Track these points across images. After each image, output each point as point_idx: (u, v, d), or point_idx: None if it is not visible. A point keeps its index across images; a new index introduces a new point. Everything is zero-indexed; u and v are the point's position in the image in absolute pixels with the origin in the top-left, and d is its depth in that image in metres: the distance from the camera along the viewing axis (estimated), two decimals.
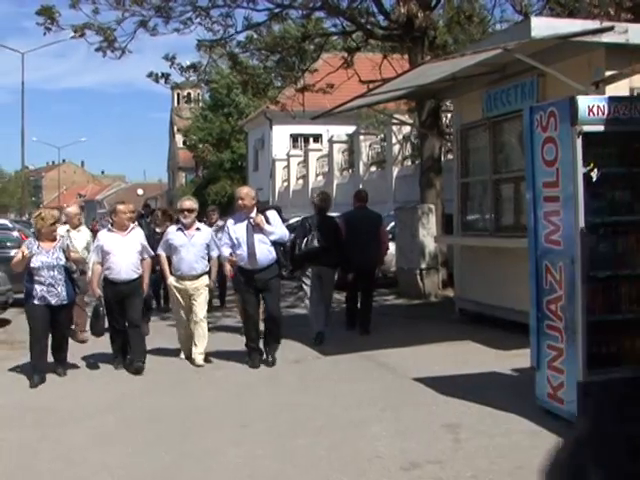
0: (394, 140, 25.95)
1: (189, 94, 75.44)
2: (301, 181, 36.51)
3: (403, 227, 17.82)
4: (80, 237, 11.97)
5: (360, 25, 19.29)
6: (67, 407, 8.23)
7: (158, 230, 13.90)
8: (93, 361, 10.47)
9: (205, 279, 10.35)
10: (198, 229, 10.39)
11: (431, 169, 17.98)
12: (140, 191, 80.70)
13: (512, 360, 9.37)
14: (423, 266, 17.03)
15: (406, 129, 25.10)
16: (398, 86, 12.35)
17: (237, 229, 9.98)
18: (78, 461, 6.45)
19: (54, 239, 9.60)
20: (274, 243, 9.97)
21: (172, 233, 10.44)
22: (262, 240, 9.86)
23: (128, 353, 10.14)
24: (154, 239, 12.06)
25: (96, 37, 18.87)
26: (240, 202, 10.01)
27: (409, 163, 25.41)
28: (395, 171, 25.81)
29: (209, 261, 10.44)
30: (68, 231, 11.76)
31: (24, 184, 62.44)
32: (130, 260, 9.90)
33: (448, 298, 15.71)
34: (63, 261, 9.44)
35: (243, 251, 9.87)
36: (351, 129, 30.85)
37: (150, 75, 20.62)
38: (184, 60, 21.28)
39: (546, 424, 6.83)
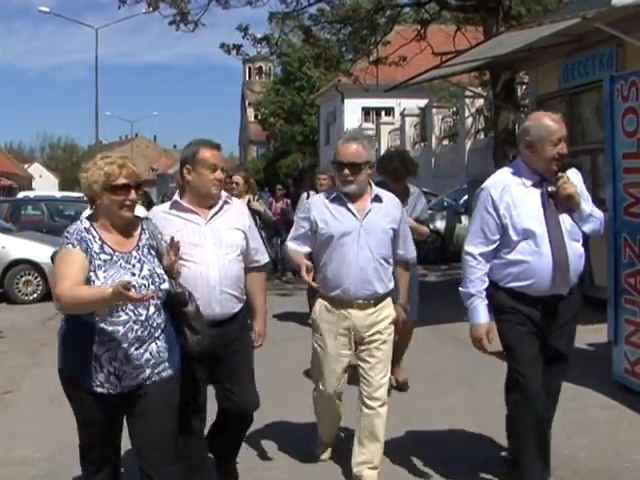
0: (467, 113, 25.71)
1: (260, 68, 75.98)
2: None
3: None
4: None
5: None
6: None
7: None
8: None
9: (391, 307, 5.31)
10: (377, 198, 5.21)
11: (505, 142, 17.71)
12: None
13: (588, 335, 9.23)
14: None
15: (479, 102, 24.85)
16: (473, 57, 12.23)
17: (522, 204, 4.73)
18: None
19: (132, 227, 4.15)
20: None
21: (320, 206, 5.25)
22: (572, 231, 4.80)
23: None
24: None
25: (169, 10, 19.10)
26: (557, 145, 4.73)
27: (482, 136, 25.15)
28: (468, 144, 25.58)
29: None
30: None
31: None
32: (225, 273, 4.71)
33: None
34: (165, 281, 4.09)
35: (537, 252, 4.71)
36: (423, 102, 30.61)
37: (222, 46, 20.73)
38: (257, 33, 21.39)
39: (622, 399, 6.78)
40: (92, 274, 3.87)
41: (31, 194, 32.72)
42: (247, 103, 75.82)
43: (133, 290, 3.58)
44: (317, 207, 5.22)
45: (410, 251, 5.49)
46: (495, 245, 4.80)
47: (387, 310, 5.25)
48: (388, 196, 5.30)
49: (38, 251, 14.28)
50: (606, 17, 9.64)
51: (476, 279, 4.83)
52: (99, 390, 3.96)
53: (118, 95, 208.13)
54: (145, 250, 4.08)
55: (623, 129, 6.95)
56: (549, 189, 4.75)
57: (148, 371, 4.01)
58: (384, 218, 5.17)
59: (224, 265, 4.70)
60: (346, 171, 5.04)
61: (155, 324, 4.02)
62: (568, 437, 5.98)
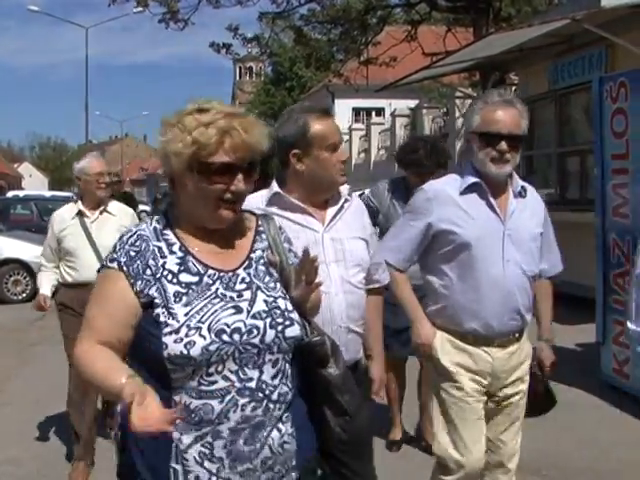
0: (457, 114, 25.73)
1: (251, 68, 76.03)
2: (363, 155, 36.36)
3: None
4: (107, 227, 5.40)
5: None
6: None
7: None
8: None
9: (528, 342, 3.77)
10: (522, 192, 3.58)
11: None
12: None
13: (576, 335, 9.28)
14: None
15: (469, 102, 24.89)
16: (463, 58, 12.26)
17: None
18: None
19: (237, 230, 2.34)
20: None
21: (444, 199, 3.51)
22: None
23: None
24: None
25: (159, 9, 19.16)
26: None
27: None
28: (458, 145, 25.60)
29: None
30: (80, 215, 5.51)
31: None
32: (352, 303, 3.19)
33: None
34: (294, 323, 2.23)
35: None
36: (413, 103, 30.58)
37: (212, 45, 20.79)
38: (248, 33, 21.45)
39: (610, 399, 6.79)
40: (162, 312, 2.13)
41: (20, 193, 32.66)
42: (238, 103, 75.68)
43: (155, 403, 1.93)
44: (440, 199, 3.50)
45: (556, 263, 3.83)
46: None
47: (527, 346, 3.71)
48: (530, 189, 3.65)
49: (27, 250, 14.22)
50: (596, 18, 9.66)
51: None
52: None
53: (108, 94, 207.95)
54: (261, 268, 2.31)
55: (612, 130, 6.97)
56: None
57: (264, 477, 2.20)
58: (531, 219, 3.58)
59: (352, 292, 3.19)
60: (504, 145, 3.36)
61: (276, 396, 2.21)
62: (555, 436, 5.99)
